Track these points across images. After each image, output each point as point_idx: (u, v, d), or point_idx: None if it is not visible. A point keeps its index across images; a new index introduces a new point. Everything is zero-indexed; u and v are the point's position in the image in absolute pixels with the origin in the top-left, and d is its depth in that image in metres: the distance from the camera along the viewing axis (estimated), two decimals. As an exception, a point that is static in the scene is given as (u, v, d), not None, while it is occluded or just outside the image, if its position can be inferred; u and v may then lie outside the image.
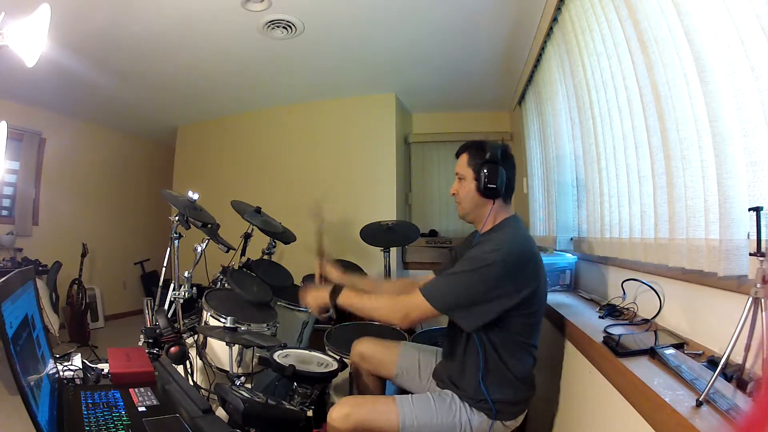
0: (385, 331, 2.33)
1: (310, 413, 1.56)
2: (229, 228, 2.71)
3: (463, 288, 1.29)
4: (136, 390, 1.10)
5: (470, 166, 1.45)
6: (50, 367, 1.04)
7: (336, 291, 1.45)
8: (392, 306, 1.38)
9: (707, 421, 0.75)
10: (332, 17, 2.58)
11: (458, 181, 1.50)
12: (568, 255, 2.22)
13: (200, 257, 2.31)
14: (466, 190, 1.47)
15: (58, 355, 1.24)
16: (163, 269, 2.42)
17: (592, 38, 1.68)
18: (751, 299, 0.81)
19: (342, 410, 1.32)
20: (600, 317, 1.50)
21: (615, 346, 1.13)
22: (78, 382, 1.14)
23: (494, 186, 1.40)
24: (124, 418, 0.94)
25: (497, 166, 1.40)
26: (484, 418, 1.35)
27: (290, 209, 3.74)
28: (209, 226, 2.39)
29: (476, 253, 1.32)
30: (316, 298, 1.50)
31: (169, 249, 2.37)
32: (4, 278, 0.89)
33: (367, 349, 1.69)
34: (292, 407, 1.57)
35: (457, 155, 1.53)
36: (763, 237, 0.81)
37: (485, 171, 1.40)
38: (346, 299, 1.44)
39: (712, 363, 0.95)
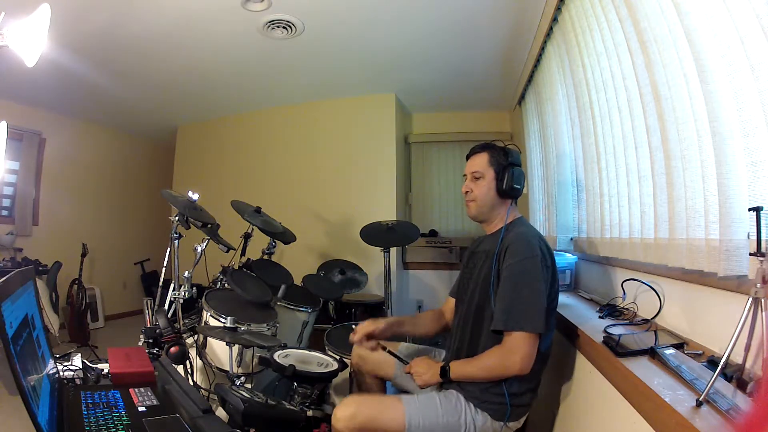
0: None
1: (310, 413, 1.56)
2: (229, 228, 2.71)
3: (536, 295, 1.29)
4: (136, 390, 1.10)
5: (492, 166, 1.47)
6: (50, 367, 1.04)
7: (446, 372, 1.38)
8: (501, 361, 1.30)
9: (707, 421, 0.75)
10: (332, 17, 2.58)
11: (473, 180, 1.50)
12: (568, 255, 2.23)
13: (200, 257, 2.31)
14: (484, 189, 1.48)
15: (58, 355, 1.24)
16: (163, 269, 2.42)
17: (592, 38, 1.68)
18: (751, 299, 0.81)
19: (348, 410, 1.30)
20: (600, 317, 1.51)
21: (615, 346, 1.13)
22: (78, 382, 1.14)
23: (519, 187, 1.45)
24: (124, 418, 0.94)
25: (519, 169, 1.47)
26: (487, 419, 1.35)
27: (290, 209, 3.76)
28: (209, 226, 2.39)
29: (516, 257, 1.33)
30: (431, 377, 1.41)
31: (169, 249, 2.37)
32: (4, 278, 0.89)
33: (365, 352, 1.69)
34: (292, 407, 1.57)
35: (473, 154, 1.53)
36: (763, 237, 0.81)
37: (510, 173, 1.44)
38: (460, 374, 1.38)
39: (712, 363, 0.95)
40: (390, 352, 1.57)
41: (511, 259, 1.33)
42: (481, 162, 1.49)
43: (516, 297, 1.30)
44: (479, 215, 1.52)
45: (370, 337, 1.57)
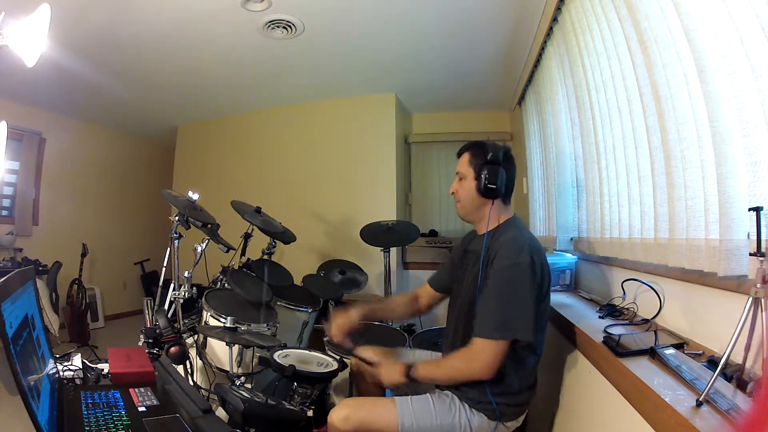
0: (386, 331, 2.33)
1: (310, 413, 1.56)
2: (229, 228, 2.71)
3: (515, 302, 1.27)
4: (136, 390, 1.10)
5: (471, 166, 1.46)
6: (50, 367, 1.04)
7: (410, 369, 1.36)
8: (467, 365, 1.30)
9: (707, 421, 0.75)
10: (332, 17, 2.58)
11: (458, 181, 1.50)
12: (568, 255, 2.23)
13: (200, 257, 2.31)
14: (466, 189, 1.47)
15: (58, 355, 1.24)
16: (163, 269, 2.42)
17: (592, 38, 1.68)
18: (751, 299, 0.81)
19: (342, 412, 1.32)
20: (600, 317, 1.51)
21: (615, 346, 1.13)
22: (78, 382, 1.14)
23: (494, 186, 1.40)
24: (124, 418, 0.94)
25: (498, 167, 1.41)
26: (484, 419, 1.35)
27: (290, 209, 3.76)
28: (209, 226, 2.38)
29: (502, 263, 1.30)
30: (391, 377, 1.39)
31: (169, 249, 2.37)
32: (4, 278, 0.88)
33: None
34: (292, 407, 1.57)
35: (459, 154, 1.53)
36: (763, 237, 0.81)
37: (486, 171, 1.41)
38: (424, 374, 1.36)
39: (712, 363, 0.95)
40: (362, 360, 1.53)
41: (497, 265, 1.31)
42: (463, 162, 1.48)
43: (492, 305, 1.29)
44: (466, 216, 1.52)
45: (351, 333, 1.57)
